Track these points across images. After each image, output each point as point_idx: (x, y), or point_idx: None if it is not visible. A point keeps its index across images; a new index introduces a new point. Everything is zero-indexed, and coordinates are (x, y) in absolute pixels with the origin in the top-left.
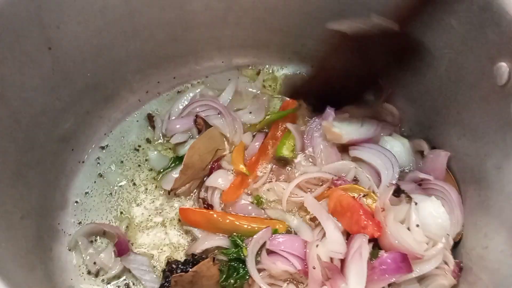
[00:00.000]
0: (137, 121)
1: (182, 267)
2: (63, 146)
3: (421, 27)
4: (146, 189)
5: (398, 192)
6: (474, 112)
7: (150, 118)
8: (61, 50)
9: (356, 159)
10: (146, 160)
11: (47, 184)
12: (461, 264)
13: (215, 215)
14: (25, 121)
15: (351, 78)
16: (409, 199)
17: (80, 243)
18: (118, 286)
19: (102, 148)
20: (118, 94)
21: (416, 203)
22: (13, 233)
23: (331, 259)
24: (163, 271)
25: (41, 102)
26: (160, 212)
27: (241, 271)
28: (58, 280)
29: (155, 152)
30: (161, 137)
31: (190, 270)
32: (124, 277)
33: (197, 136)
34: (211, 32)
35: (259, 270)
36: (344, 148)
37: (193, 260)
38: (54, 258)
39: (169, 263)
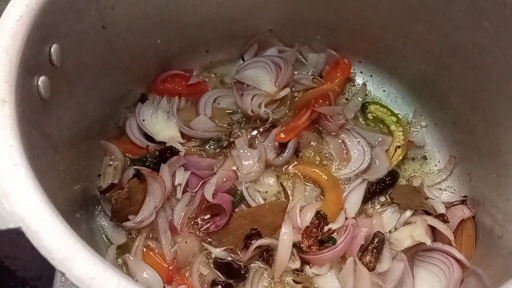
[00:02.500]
0: None
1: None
2: (107, 120)
3: (452, 26)
4: None
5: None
6: (500, 110)
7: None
8: (113, 30)
9: None
10: None
11: (92, 153)
12: None
13: None
14: (78, 93)
15: None
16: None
17: None
18: None
19: None
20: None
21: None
22: (66, 194)
23: None
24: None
25: (92, 78)
26: None
27: None
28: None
29: None
30: None
31: (125, 186)
32: None
33: None
34: (251, 20)
35: None
36: None
37: None
38: (95, 221)
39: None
